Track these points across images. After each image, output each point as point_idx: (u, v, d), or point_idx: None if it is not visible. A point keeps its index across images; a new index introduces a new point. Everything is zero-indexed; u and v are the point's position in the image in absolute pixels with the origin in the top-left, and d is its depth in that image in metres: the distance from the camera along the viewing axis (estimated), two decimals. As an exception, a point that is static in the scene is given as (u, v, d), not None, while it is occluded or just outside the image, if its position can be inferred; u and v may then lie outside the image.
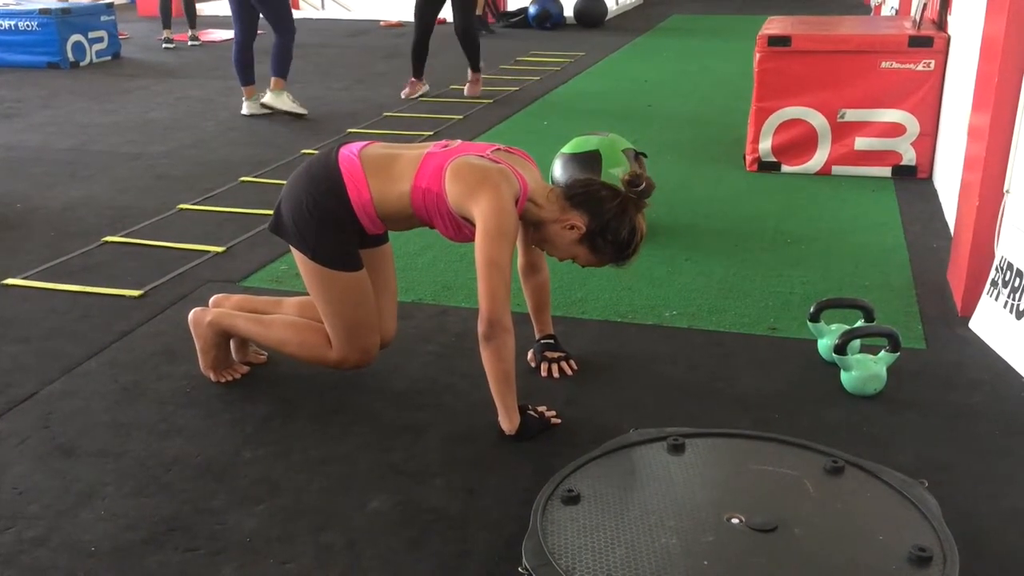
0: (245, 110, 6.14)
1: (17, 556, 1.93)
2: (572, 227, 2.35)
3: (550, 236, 2.40)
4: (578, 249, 2.39)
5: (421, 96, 6.63)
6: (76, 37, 8.28)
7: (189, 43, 9.39)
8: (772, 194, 4.35)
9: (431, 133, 5.53)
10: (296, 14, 12.25)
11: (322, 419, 2.46)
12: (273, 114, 6.02)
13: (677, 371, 2.70)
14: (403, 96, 6.56)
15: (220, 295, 2.78)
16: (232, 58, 6.01)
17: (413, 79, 6.66)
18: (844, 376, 2.55)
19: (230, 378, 2.65)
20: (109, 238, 3.81)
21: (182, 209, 4.19)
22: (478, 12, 9.79)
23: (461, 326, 2.96)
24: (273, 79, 5.96)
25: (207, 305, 2.73)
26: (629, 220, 2.36)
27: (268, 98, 5.98)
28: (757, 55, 4.59)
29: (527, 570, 1.69)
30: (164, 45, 9.22)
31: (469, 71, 6.71)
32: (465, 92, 6.68)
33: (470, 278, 3.23)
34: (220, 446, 2.33)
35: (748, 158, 4.74)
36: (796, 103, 4.56)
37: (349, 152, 2.41)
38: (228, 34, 9.91)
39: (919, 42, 4.39)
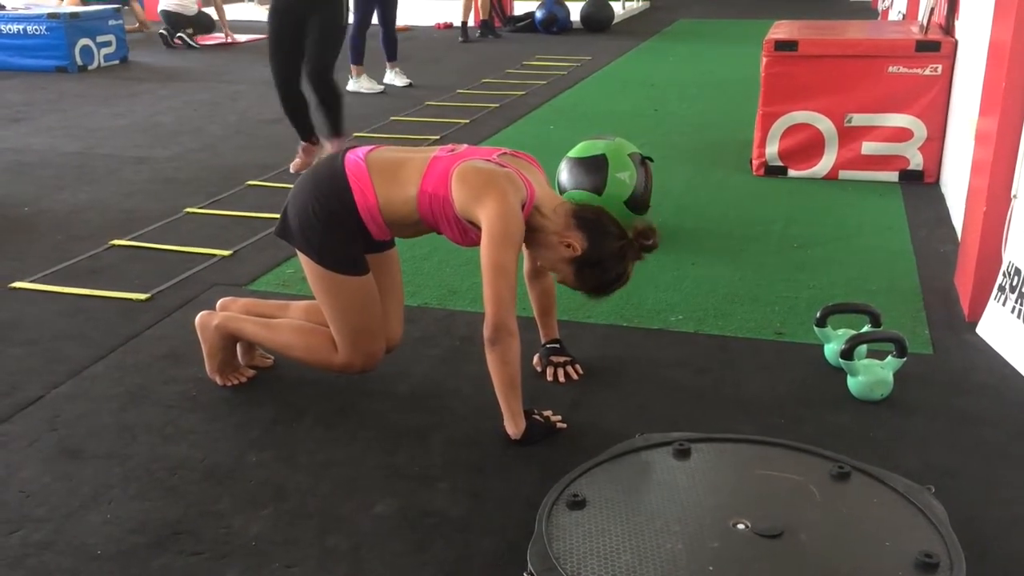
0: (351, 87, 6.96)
1: (23, 559, 1.93)
2: (568, 245, 2.34)
3: (544, 243, 2.38)
4: (564, 267, 2.38)
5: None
6: (84, 41, 8.31)
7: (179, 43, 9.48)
8: (779, 198, 4.35)
9: (437, 137, 5.54)
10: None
11: (327, 423, 2.46)
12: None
13: (683, 376, 2.69)
14: (292, 170, 4.81)
15: (227, 299, 2.78)
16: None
17: (304, 143, 4.89)
18: (851, 381, 2.54)
19: (236, 382, 2.65)
20: (116, 242, 3.82)
21: (189, 213, 4.20)
22: (484, 17, 9.82)
23: (466, 330, 2.96)
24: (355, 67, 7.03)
25: (214, 309, 2.74)
26: (622, 265, 2.36)
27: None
28: (764, 59, 4.58)
29: (532, 575, 1.69)
30: (176, 41, 9.35)
31: (299, 140, 4.87)
32: (291, 167, 4.85)
33: (476, 282, 3.23)
34: (226, 449, 2.34)
35: (755, 162, 4.73)
36: (803, 107, 4.55)
37: (355, 156, 2.41)
38: (240, 36, 9.95)
39: (926, 47, 4.38)
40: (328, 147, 4.73)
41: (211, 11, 10.09)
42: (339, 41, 4.76)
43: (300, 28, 4.61)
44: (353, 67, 7.15)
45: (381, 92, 7.14)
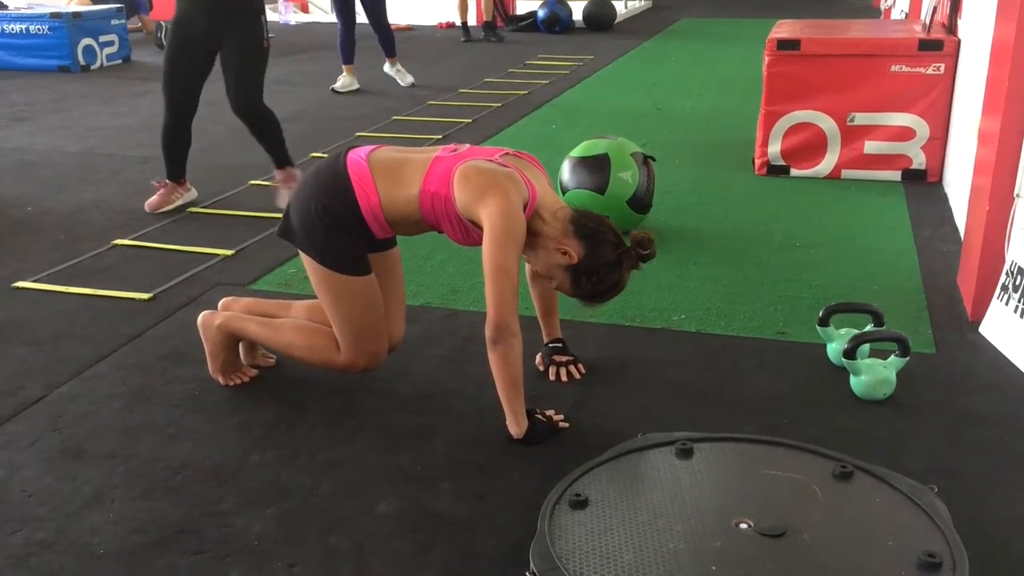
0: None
1: (26, 559, 1.94)
2: (564, 253, 2.33)
3: (540, 248, 2.37)
4: (559, 273, 2.37)
5: (181, 206, 4.27)
6: (87, 41, 8.32)
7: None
8: (781, 198, 4.34)
9: (439, 137, 5.54)
10: (304, 18, 12.35)
11: (330, 422, 2.46)
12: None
13: (685, 375, 2.69)
14: (147, 209, 4.21)
15: (229, 298, 2.78)
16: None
17: (168, 181, 4.27)
18: (853, 381, 2.54)
19: (239, 381, 2.66)
20: (119, 241, 3.83)
21: (192, 212, 4.20)
22: (487, 18, 9.80)
23: (469, 330, 2.96)
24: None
25: (216, 308, 2.74)
26: (618, 274, 2.36)
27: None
28: (766, 59, 4.58)
29: (535, 574, 1.69)
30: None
31: (275, 169, 4.38)
32: (278, 195, 4.33)
33: (478, 282, 3.23)
34: (228, 449, 2.34)
35: (757, 162, 4.73)
36: (805, 107, 4.54)
37: (358, 156, 2.41)
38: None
39: (929, 46, 4.38)
40: (278, 176, 4.33)
41: None
42: (262, 63, 4.13)
43: (208, 49, 4.02)
44: (344, 67, 7.21)
45: (356, 90, 7.19)
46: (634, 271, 2.39)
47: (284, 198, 4.17)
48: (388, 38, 7.32)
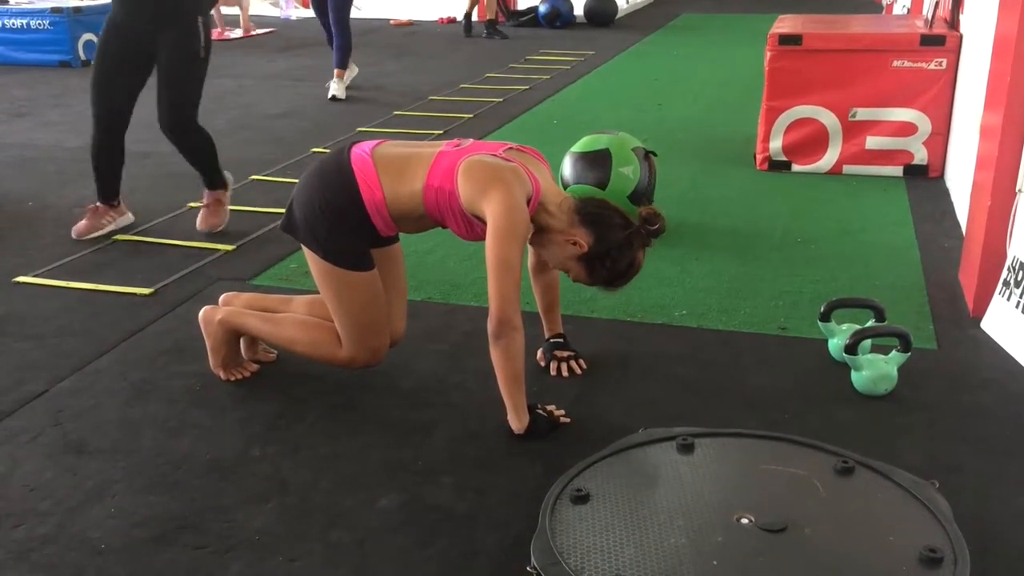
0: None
1: (27, 553, 1.94)
2: (575, 243, 2.34)
3: (550, 243, 2.39)
4: (573, 264, 2.38)
5: (110, 233, 3.85)
6: (88, 36, 8.30)
7: None
8: (782, 193, 4.34)
9: (441, 132, 5.53)
10: (306, 12, 12.34)
11: (331, 417, 2.46)
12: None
13: (686, 371, 2.69)
14: (74, 235, 3.79)
15: (230, 293, 2.78)
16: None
17: (99, 204, 3.88)
18: (855, 376, 2.54)
19: (240, 376, 2.66)
20: (119, 236, 3.83)
21: (192, 207, 4.20)
22: (490, 16, 9.76)
23: (470, 325, 2.96)
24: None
25: (217, 303, 2.74)
26: (631, 253, 2.36)
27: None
28: (768, 54, 4.57)
29: (536, 569, 1.69)
30: None
31: (204, 191, 3.95)
32: (200, 217, 3.90)
33: (479, 277, 3.23)
34: (229, 444, 2.34)
35: (758, 157, 4.72)
36: (807, 102, 4.54)
37: (361, 151, 2.41)
38: (235, 33, 9.95)
39: (931, 41, 4.37)
40: (206, 198, 3.90)
41: (234, 10, 10.09)
42: (196, 76, 3.66)
43: (142, 56, 3.59)
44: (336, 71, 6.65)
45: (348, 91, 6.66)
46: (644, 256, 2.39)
47: (204, 222, 3.84)
48: (344, 44, 6.58)
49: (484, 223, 2.28)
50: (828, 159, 4.60)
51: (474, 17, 9.94)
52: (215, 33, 9.81)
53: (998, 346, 2.79)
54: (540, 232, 2.39)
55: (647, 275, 3.27)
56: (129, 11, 3.58)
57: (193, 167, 3.88)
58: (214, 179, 3.89)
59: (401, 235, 2.62)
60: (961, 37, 4.36)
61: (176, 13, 3.56)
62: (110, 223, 3.86)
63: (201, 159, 3.85)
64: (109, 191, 3.85)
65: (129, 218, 3.95)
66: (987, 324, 2.90)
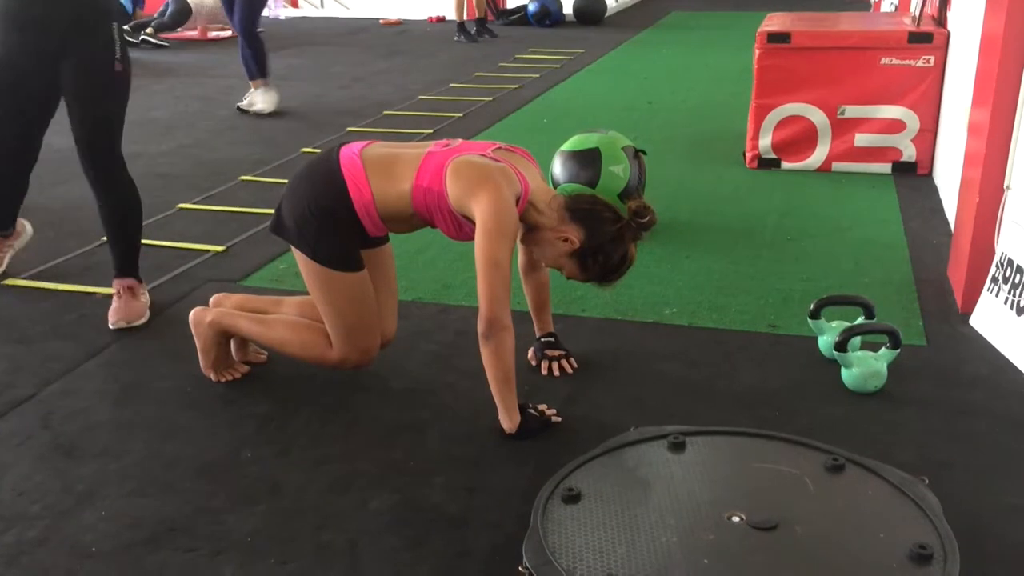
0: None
1: (18, 557, 1.93)
2: (566, 240, 2.34)
3: (542, 242, 2.39)
4: (566, 261, 2.38)
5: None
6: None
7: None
8: (772, 191, 4.35)
9: (431, 131, 5.53)
10: (295, 12, 12.31)
11: (322, 418, 2.46)
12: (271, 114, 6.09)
13: (677, 369, 2.69)
14: None
15: (220, 294, 2.77)
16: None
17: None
18: (844, 373, 2.55)
19: (230, 378, 2.65)
20: (109, 238, 3.81)
21: (182, 208, 4.19)
22: (479, 15, 9.74)
23: (461, 324, 2.95)
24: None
25: (207, 305, 2.73)
26: (623, 247, 2.36)
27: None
28: (757, 52, 4.58)
29: (528, 569, 1.69)
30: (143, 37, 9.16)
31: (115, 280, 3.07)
32: (110, 319, 2.95)
33: (470, 276, 3.23)
34: (220, 446, 2.33)
35: (748, 155, 4.73)
36: (796, 100, 4.55)
37: (350, 152, 2.41)
38: (226, 32, 9.92)
39: (919, 38, 4.38)
40: (115, 286, 3.01)
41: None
42: (116, 96, 2.95)
43: (49, 70, 2.85)
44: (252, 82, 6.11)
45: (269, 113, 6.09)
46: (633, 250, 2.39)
47: (116, 313, 2.94)
48: (254, 53, 5.95)
49: (473, 223, 2.28)
50: (817, 156, 4.61)
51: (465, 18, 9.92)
52: (198, 32, 9.81)
53: (987, 342, 2.80)
54: (531, 231, 2.39)
55: (637, 273, 3.28)
56: (20, 17, 2.82)
57: (108, 239, 3.04)
58: (130, 261, 3.01)
59: (392, 235, 2.62)
60: (948, 34, 4.38)
61: (83, 14, 2.83)
62: (8, 251, 3.33)
63: (129, 213, 3.02)
64: (5, 220, 3.27)
65: (28, 232, 3.40)
66: (976, 320, 2.91)
